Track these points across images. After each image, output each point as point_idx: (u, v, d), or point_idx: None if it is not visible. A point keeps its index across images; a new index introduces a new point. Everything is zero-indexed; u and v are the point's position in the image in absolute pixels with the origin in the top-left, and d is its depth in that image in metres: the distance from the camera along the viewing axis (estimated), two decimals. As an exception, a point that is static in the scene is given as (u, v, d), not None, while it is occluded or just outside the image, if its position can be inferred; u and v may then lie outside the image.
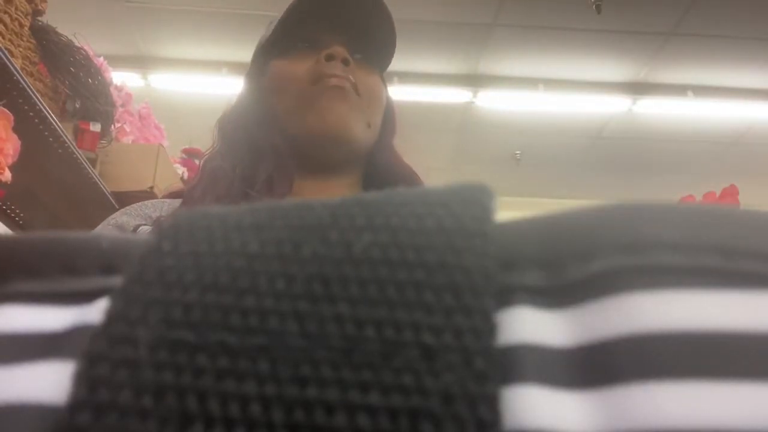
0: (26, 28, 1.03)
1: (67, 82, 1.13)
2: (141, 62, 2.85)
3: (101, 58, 1.29)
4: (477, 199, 0.10)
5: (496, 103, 3.06)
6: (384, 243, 0.10)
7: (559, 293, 0.10)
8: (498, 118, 3.21)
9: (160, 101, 2.61)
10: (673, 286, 0.09)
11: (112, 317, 0.09)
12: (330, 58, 0.56)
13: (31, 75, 1.03)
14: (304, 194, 0.57)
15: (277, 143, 0.57)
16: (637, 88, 3.00)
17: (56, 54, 1.07)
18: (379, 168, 0.60)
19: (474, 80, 2.95)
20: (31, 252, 0.12)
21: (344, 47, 0.58)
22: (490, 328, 0.09)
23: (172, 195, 0.62)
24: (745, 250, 0.09)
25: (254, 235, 0.10)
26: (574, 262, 0.10)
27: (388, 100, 0.64)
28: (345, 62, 0.57)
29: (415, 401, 0.08)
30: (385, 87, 0.63)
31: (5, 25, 0.97)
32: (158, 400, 0.08)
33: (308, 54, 0.58)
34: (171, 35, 2.66)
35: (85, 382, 0.09)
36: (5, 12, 0.97)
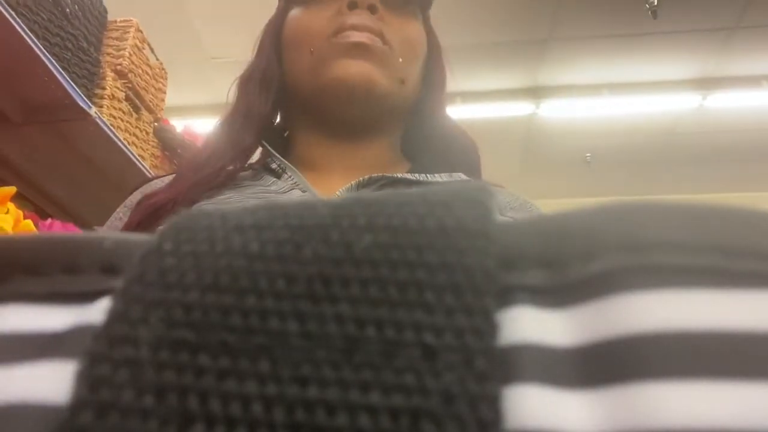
0: (150, 134, 1.28)
1: (177, 162, 1.40)
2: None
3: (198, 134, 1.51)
4: (478, 199, 0.10)
5: (560, 111, 3.12)
6: (385, 243, 0.10)
7: (561, 293, 0.10)
8: (563, 125, 3.24)
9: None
10: (674, 286, 0.09)
11: (113, 317, 0.10)
12: (353, 5, 0.48)
13: (156, 167, 1.28)
14: (331, 160, 0.51)
15: (288, 107, 0.51)
16: (706, 84, 2.96)
17: (171, 144, 1.35)
18: (423, 129, 0.54)
19: (535, 92, 3.03)
20: (33, 252, 0.12)
21: None
22: (491, 328, 0.09)
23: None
24: (745, 250, 0.09)
25: (255, 235, 0.10)
26: (575, 262, 0.10)
27: (434, 48, 0.55)
28: (372, 9, 0.48)
29: (416, 401, 0.08)
30: (429, 33, 0.55)
31: (137, 136, 1.22)
32: (160, 400, 0.08)
33: (329, 2, 0.50)
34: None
35: (86, 381, 0.09)
36: (136, 127, 1.22)
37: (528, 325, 0.09)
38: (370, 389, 0.08)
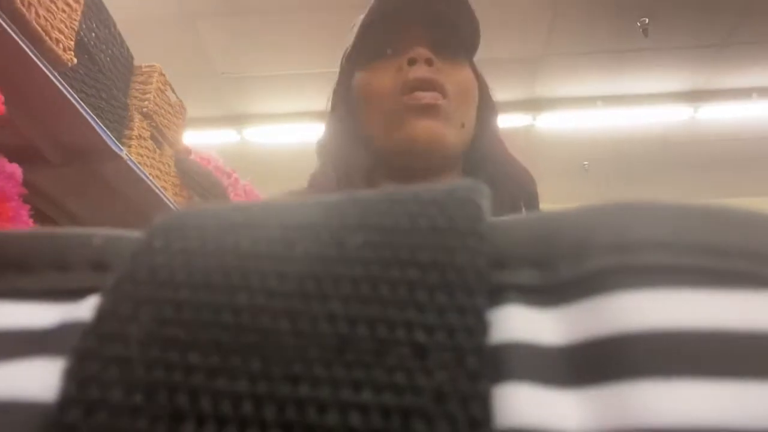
0: (171, 166, 1.42)
1: (197, 192, 1.50)
2: (236, 121, 3.41)
3: (217, 162, 1.61)
4: (470, 199, 0.10)
5: (557, 122, 3.29)
6: (377, 242, 0.10)
7: (552, 292, 0.10)
8: (561, 134, 3.48)
9: (253, 152, 3.06)
10: (663, 285, 0.09)
11: (102, 314, 0.09)
12: (413, 62, 0.54)
13: (176, 195, 1.41)
14: None
15: (365, 161, 0.56)
16: (697, 96, 3.18)
17: (190, 175, 1.47)
18: (483, 166, 0.58)
19: (532, 105, 3.24)
20: (21, 248, 0.11)
21: (427, 47, 0.54)
22: (482, 327, 0.09)
23: None
24: (733, 249, 0.09)
25: (247, 234, 0.10)
26: (566, 261, 0.10)
27: (483, 91, 0.61)
28: (428, 62, 0.54)
29: (407, 400, 0.08)
30: (479, 78, 0.60)
31: (160, 170, 1.34)
32: (149, 398, 0.08)
33: (391, 60, 0.56)
34: (260, 95, 3.09)
35: (75, 379, 0.09)
36: (159, 162, 1.34)
37: (519, 324, 0.09)
38: (361, 388, 0.08)
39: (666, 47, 2.73)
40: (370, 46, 0.57)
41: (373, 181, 0.57)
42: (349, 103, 0.59)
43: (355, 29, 0.58)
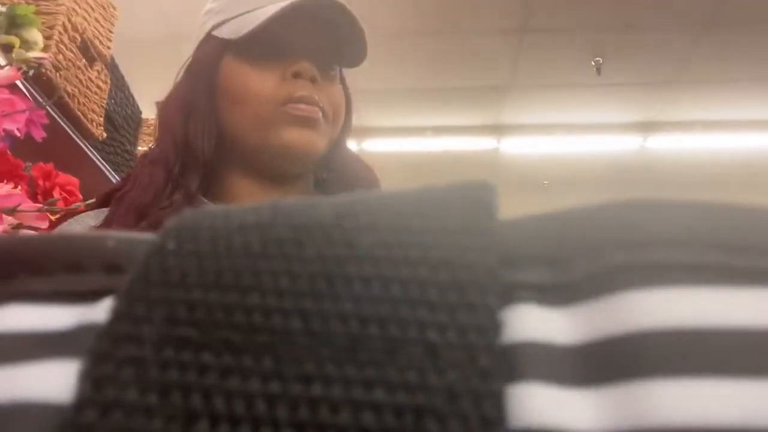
0: None
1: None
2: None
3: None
4: (480, 197, 0.11)
5: (520, 146, 3.69)
6: (387, 241, 0.10)
7: (564, 290, 0.10)
8: (523, 157, 3.86)
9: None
10: (677, 283, 0.09)
11: (117, 316, 0.09)
12: (297, 75, 0.54)
13: None
14: (256, 200, 0.54)
15: (212, 151, 0.55)
16: (646, 127, 3.57)
17: None
18: (334, 169, 0.60)
19: (497, 130, 3.58)
20: (37, 251, 0.12)
21: (314, 59, 0.55)
22: (494, 326, 0.09)
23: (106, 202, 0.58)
24: (749, 246, 0.09)
25: (258, 234, 0.10)
26: (578, 259, 0.10)
27: (347, 99, 0.61)
28: (313, 80, 0.54)
29: (419, 398, 0.08)
30: (343, 84, 0.61)
31: None
32: (163, 398, 0.08)
33: (272, 64, 0.55)
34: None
35: (90, 380, 0.09)
36: None
37: (531, 323, 0.09)
38: (373, 387, 0.08)
39: (617, 83, 3.11)
40: (256, 43, 0.54)
41: (217, 173, 0.57)
42: (212, 87, 0.56)
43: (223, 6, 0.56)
